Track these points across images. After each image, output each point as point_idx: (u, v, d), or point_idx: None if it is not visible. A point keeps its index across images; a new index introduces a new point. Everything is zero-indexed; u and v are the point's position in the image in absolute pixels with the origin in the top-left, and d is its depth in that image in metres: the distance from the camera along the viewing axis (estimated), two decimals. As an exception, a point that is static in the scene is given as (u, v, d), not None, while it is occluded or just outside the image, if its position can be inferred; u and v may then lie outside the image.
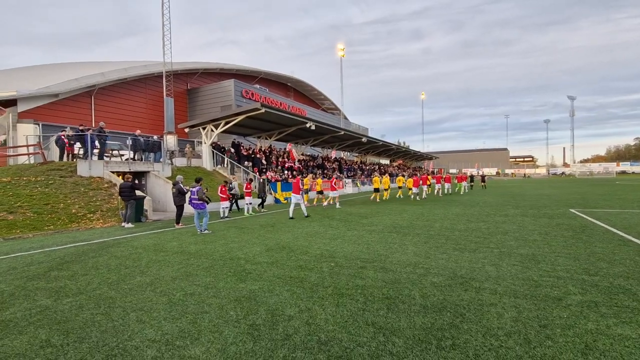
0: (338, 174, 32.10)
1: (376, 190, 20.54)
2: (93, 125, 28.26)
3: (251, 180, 15.39)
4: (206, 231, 9.61)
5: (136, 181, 12.73)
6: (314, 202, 18.90)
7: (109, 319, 3.72)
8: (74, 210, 11.80)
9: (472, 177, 34.89)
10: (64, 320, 3.74)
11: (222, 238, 8.72)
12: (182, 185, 11.36)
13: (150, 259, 6.58)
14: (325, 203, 17.97)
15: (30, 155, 15.88)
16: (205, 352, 2.98)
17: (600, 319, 3.45)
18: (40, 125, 25.35)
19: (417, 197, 20.51)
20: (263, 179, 15.93)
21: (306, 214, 12.86)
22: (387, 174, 35.88)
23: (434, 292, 4.36)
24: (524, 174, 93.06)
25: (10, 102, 25.65)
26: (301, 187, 13.26)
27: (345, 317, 3.65)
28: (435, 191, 24.14)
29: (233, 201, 15.57)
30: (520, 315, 3.58)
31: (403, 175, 28.06)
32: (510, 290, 4.36)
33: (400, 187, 24.46)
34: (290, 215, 12.74)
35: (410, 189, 21.96)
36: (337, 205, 16.51)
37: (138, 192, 13.12)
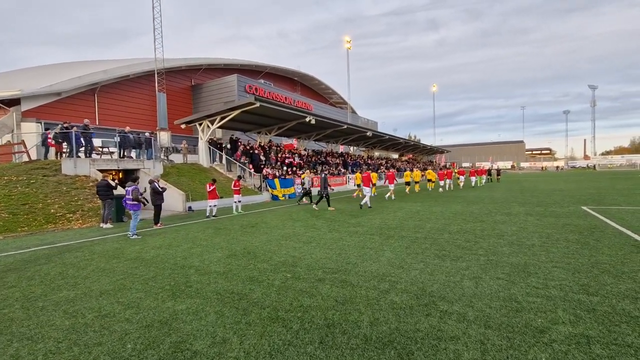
0: (342, 169, 31.24)
1: (407, 183, 21.98)
2: (97, 123, 28.38)
3: (240, 177, 14.70)
4: (134, 236, 8.69)
5: (113, 180, 12.27)
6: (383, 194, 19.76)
7: (-19, 352, 3.10)
8: (52, 211, 11.43)
9: (489, 171, 37.22)
10: None
11: (191, 241, 8.10)
12: (157, 184, 10.85)
13: (97, 267, 6.00)
14: (388, 195, 17.70)
15: (19, 154, 15.67)
16: (53, 409, 2.30)
17: (590, 366, 2.61)
18: (43, 124, 25.38)
19: (446, 188, 23.21)
20: (325, 174, 14.75)
21: (369, 205, 13.72)
22: (417, 169, 35.57)
23: (389, 316, 3.57)
24: (557, 167, 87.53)
25: (14, 102, 25.78)
26: (371, 180, 14.64)
27: (261, 354, 2.92)
28: (461, 184, 25.94)
29: (304, 195, 17.01)
30: (484, 357, 2.76)
31: (433, 169, 30.30)
32: (483, 315, 3.53)
33: (429, 180, 25.41)
34: (369, 205, 13.74)
35: (433, 181, 24.78)
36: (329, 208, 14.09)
37: (119, 191, 12.68)
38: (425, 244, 6.98)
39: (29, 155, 14.73)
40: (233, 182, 14.26)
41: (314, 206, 14.15)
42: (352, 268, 5.41)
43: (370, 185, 14.22)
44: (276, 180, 20.88)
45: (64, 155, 14.78)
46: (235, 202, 13.96)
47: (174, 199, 14.97)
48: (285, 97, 38.84)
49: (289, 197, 21.13)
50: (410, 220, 10.28)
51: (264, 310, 3.84)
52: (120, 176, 17.03)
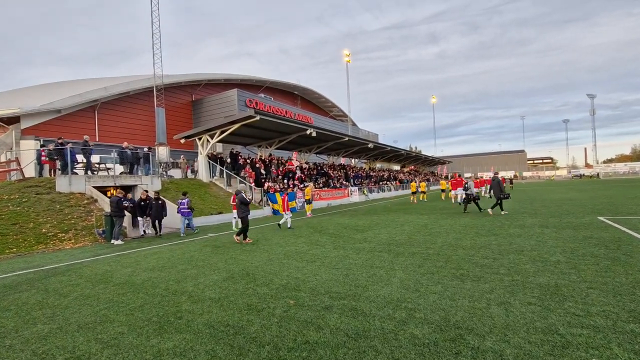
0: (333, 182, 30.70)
1: (442, 191, 26.87)
2: (97, 139, 28.13)
3: (238, 192, 14.17)
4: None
5: (126, 195, 12.11)
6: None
7: None
8: (44, 230, 10.92)
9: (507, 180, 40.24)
10: None
11: (186, 261, 7.56)
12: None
13: (81, 293, 5.46)
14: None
15: (13, 172, 15.28)
16: None
17: None
18: (41, 141, 25.14)
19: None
20: (498, 178, 14.17)
21: (481, 209, 14.57)
22: (444, 178, 37.38)
23: (411, 356, 3.01)
24: (579, 175, 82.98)
25: (14, 120, 25.67)
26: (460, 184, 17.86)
27: (259, 412, 2.37)
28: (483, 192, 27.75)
29: (469, 202, 15.28)
30: (538, 415, 2.21)
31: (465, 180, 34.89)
32: (523, 353, 2.96)
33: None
34: (482, 210, 14.47)
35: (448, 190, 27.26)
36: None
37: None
38: (439, 261, 6.41)
39: (22, 173, 14.33)
40: (232, 197, 13.76)
41: (489, 210, 13.76)
42: (362, 292, 4.86)
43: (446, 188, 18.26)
44: (277, 195, 20.38)
45: (57, 172, 14.38)
46: (235, 217, 13.44)
47: (173, 216, 14.45)
48: (286, 111, 38.77)
49: (291, 211, 20.58)
50: (419, 234, 9.71)
51: (262, 349, 3.28)
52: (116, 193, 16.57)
